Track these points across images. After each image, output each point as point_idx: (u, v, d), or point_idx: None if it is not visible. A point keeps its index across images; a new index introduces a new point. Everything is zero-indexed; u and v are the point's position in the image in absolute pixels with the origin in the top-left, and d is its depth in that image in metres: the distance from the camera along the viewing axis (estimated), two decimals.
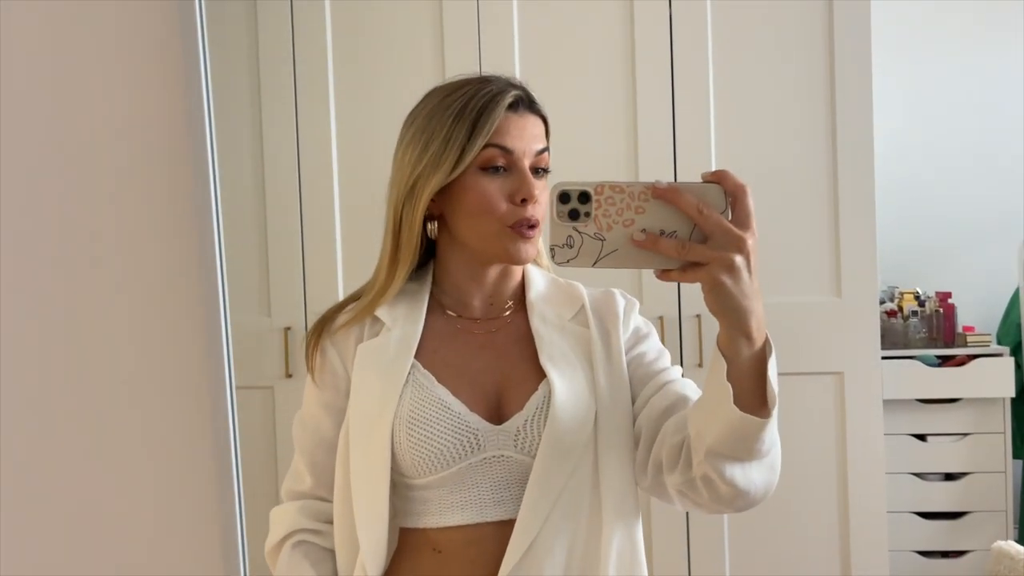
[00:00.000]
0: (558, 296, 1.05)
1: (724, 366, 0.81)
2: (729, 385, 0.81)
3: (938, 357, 2.52)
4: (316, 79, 2.07)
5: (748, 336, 0.79)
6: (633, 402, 1.00)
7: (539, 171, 0.99)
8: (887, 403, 2.34)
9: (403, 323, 1.02)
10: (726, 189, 0.78)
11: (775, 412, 0.82)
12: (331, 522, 1.03)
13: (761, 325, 0.80)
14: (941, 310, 2.59)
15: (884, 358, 2.33)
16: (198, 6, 0.65)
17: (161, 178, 0.64)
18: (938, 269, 2.88)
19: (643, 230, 0.78)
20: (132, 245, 0.63)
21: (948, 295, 2.63)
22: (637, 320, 1.05)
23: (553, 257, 0.80)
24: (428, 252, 1.06)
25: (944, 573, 2.50)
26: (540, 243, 1.01)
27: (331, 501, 1.03)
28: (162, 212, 0.63)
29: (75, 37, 0.65)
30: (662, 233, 0.78)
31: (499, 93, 0.97)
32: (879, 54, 2.00)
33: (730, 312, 0.78)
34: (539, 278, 1.07)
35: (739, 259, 0.76)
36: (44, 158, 0.64)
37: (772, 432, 0.84)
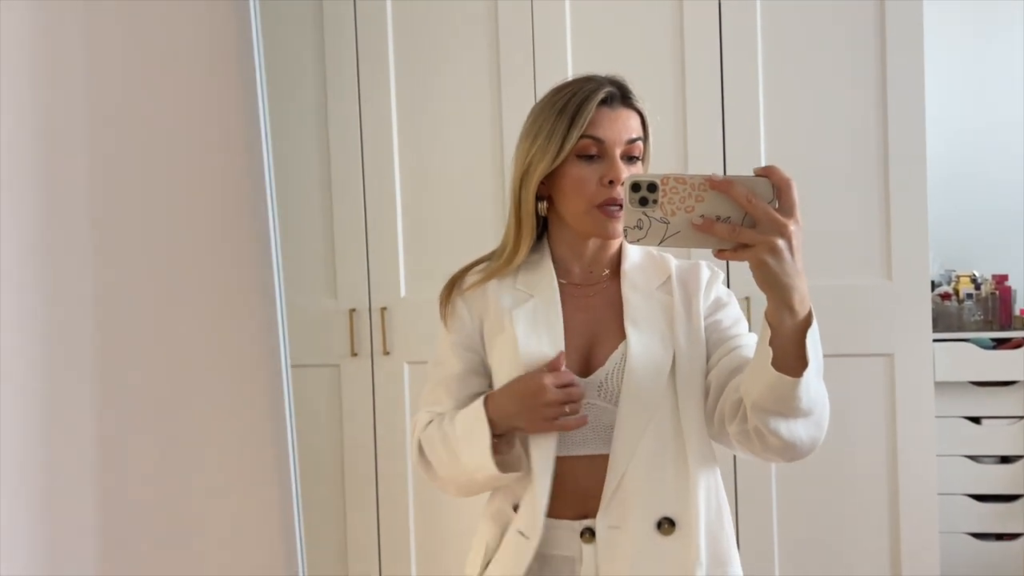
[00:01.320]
0: (649, 267, 1.21)
1: (769, 334, 0.94)
2: (770, 349, 0.93)
3: (993, 340, 2.51)
4: (378, 73, 2.17)
5: (791, 308, 0.91)
6: (707, 361, 1.15)
7: (631, 158, 1.15)
8: (940, 385, 2.34)
9: (542, 289, 1.19)
10: (773, 182, 0.89)
11: (807, 374, 0.93)
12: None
13: (804, 299, 0.92)
14: (997, 292, 2.57)
15: (938, 340, 2.34)
16: (253, 11, 0.70)
17: (221, 174, 0.70)
18: (997, 253, 2.85)
19: (702, 216, 0.89)
20: (196, 233, 0.69)
21: (1005, 277, 2.61)
22: (719, 290, 1.19)
23: (626, 237, 0.91)
24: (544, 228, 1.23)
25: (998, 555, 2.50)
26: None
27: None
28: (222, 204, 0.69)
29: (148, 38, 0.71)
30: (718, 218, 0.89)
31: (594, 91, 1.13)
32: (932, 34, 2.00)
33: (774, 287, 0.90)
34: (635, 251, 1.22)
35: (782, 242, 0.88)
36: (119, 155, 0.70)
37: (808, 391, 0.95)
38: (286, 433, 0.71)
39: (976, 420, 2.53)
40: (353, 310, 2.19)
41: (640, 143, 1.15)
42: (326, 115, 2.19)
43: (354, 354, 2.19)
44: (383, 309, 2.19)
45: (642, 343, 1.13)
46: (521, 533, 1.14)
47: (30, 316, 0.70)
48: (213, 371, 0.72)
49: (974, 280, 2.63)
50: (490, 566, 1.18)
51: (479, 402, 1.14)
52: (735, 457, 2.03)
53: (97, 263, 0.70)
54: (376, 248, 2.18)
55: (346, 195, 2.19)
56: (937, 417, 2.03)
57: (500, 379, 1.17)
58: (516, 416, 1.11)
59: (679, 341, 1.14)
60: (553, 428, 1.10)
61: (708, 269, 1.20)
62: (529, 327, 1.16)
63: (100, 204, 0.71)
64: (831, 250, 1.98)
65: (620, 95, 1.16)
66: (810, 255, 2.02)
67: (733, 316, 1.18)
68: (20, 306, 0.70)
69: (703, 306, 1.17)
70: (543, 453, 1.12)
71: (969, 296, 2.59)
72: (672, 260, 1.22)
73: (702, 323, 1.16)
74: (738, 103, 2.00)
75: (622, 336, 1.15)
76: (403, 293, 2.20)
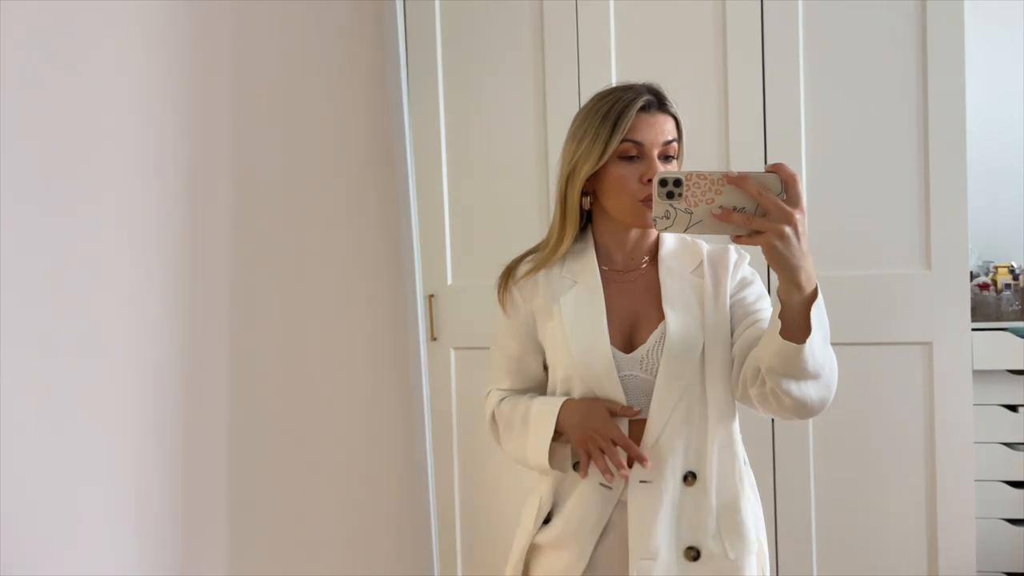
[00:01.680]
0: (684, 253, 1.35)
1: (779, 307, 1.08)
2: (779, 320, 1.08)
3: None
4: (427, 70, 2.24)
5: (798, 285, 1.05)
6: (732, 334, 1.28)
7: (668, 157, 1.28)
8: (978, 374, 2.36)
9: (585, 276, 1.34)
10: (782, 177, 1.02)
11: (809, 340, 1.07)
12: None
13: (810, 278, 1.06)
14: None
15: (975, 330, 2.36)
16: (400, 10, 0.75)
17: (367, 173, 0.75)
18: None
19: (720, 207, 1.02)
20: (339, 223, 0.75)
21: None
22: (745, 271, 1.34)
23: (655, 225, 1.05)
24: (587, 220, 1.37)
25: None
26: None
27: (527, 390, 1.41)
28: (364, 197, 0.75)
29: (291, 36, 0.76)
30: (734, 209, 1.02)
31: (634, 99, 1.27)
32: (973, 27, 2.02)
33: (783, 267, 1.03)
34: (670, 239, 1.36)
35: (788, 229, 1.01)
36: (267, 148, 0.75)
37: (814, 356, 1.09)
38: (423, 420, 0.77)
39: (1013, 408, 2.55)
40: (432, 296, 2.27)
41: (675, 144, 1.29)
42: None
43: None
44: (431, 296, 2.27)
45: (678, 323, 1.27)
46: (604, 485, 1.30)
47: (174, 302, 0.76)
48: (352, 349, 0.77)
49: (1012, 271, 2.64)
50: (563, 514, 1.32)
51: (557, 404, 1.30)
52: (774, 445, 2.07)
53: (235, 258, 0.75)
54: (425, 239, 2.26)
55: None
56: (975, 405, 2.05)
57: (552, 357, 1.35)
58: (574, 428, 1.29)
59: (708, 319, 1.28)
60: (586, 459, 1.27)
61: (736, 253, 1.34)
62: (574, 310, 1.31)
63: (243, 190, 0.77)
64: (872, 240, 2.01)
65: (657, 102, 1.29)
66: (851, 245, 2.07)
67: (756, 293, 1.32)
68: (164, 293, 0.76)
69: (730, 286, 1.30)
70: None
71: (1007, 286, 2.60)
72: (704, 246, 1.36)
73: (728, 301, 1.29)
74: (779, 98, 2.04)
75: (660, 317, 1.29)
76: (449, 281, 2.27)
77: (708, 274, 1.31)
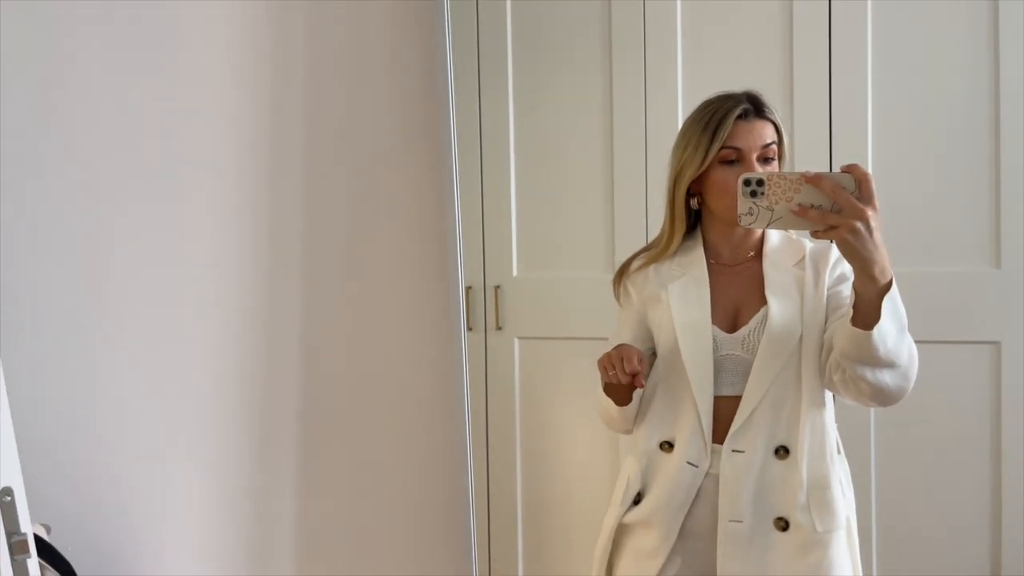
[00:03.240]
0: (787, 248, 1.44)
1: (854, 297, 1.17)
2: (852, 310, 1.18)
3: None
4: (498, 64, 2.30)
5: (871, 277, 1.13)
6: (826, 323, 1.37)
7: (767, 160, 1.38)
8: None
9: (693, 269, 1.44)
10: (855, 176, 1.11)
11: (877, 327, 1.15)
12: None
13: (884, 270, 1.14)
14: None
15: None
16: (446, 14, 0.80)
17: (416, 175, 0.81)
18: None
19: (799, 204, 1.12)
20: (391, 221, 0.81)
21: None
22: (844, 267, 1.40)
23: (740, 222, 1.15)
24: (697, 220, 1.48)
25: None
26: None
27: None
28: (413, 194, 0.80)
29: (358, 34, 0.82)
30: (811, 207, 1.11)
31: (732, 108, 1.37)
32: None
33: (857, 260, 1.12)
34: (774, 235, 1.46)
35: (860, 225, 1.10)
36: (331, 149, 0.81)
37: (885, 343, 1.17)
38: (463, 392, 0.84)
39: None
40: (469, 288, 2.35)
41: (774, 146, 1.38)
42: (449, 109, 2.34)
43: (470, 329, 2.35)
44: (496, 287, 2.34)
45: (779, 308, 1.36)
46: (691, 463, 1.39)
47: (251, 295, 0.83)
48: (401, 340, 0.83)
49: None
50: (652, 494, 1.41)
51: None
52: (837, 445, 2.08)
53: (305, 256, 0.82)
54: (491, 233, 2.33)
55: (464, 186, 2.34)
56: None
57: (659, 341, 1.45)
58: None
59: (807, 308, 1.37)
60: (604, 380, 1.36)
61: (838, 250, 1.38)
62: (681, 299, 1.42)
63: (314, 184, 0.84)
64: (939, 238, 2.00)
65: (755, 109, 1.37)
66: (918, 243, 2.07)
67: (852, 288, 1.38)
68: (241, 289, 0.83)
69: (828, 279, 1.38)
70: (704, 397, 1.38)
71: None
72: (807, 243, 1.43)
73: (825, 292, 1.38)
74: (846, 95, 2.04)
75: (763, 303, 1.39)
76: (515, 273, 2.34)
77: (809, 267, 1.40)
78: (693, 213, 1.46)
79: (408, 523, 0.88)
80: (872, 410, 2.05)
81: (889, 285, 1.15)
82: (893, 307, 1.16)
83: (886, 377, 1.23)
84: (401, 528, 0.89)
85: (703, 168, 1.37)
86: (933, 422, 2.03)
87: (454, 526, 0.87)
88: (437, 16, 0.82)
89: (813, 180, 1.11)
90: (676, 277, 1.45)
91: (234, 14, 0.79)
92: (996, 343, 1.99)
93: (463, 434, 0.87)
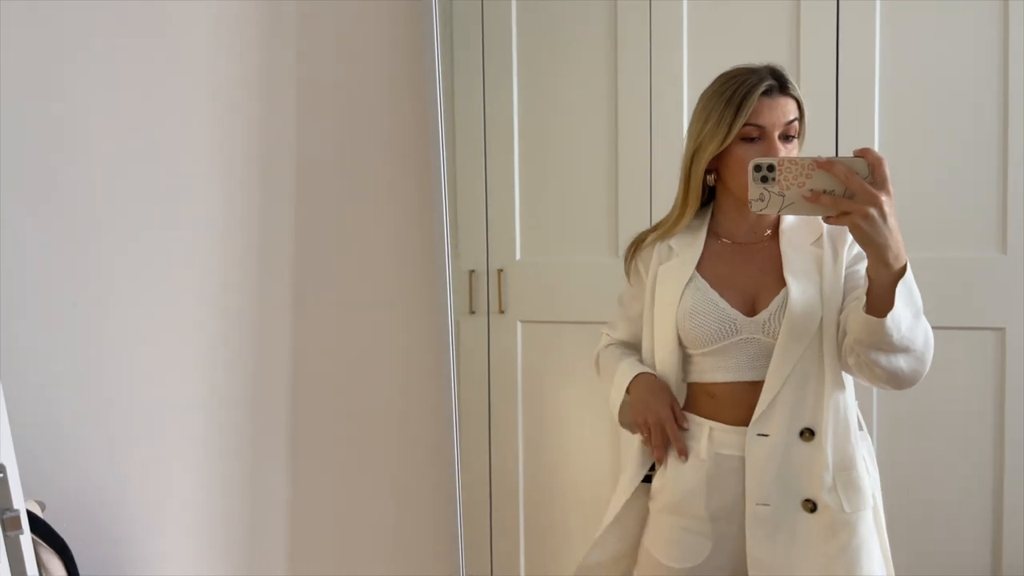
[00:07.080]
0: (805, 226, 1.41)
1: (868, 283, 1.15)
2: (865, 296, 1.16)
3: None
4: (502, 53, 2.28)
5: (885, 263, 1.11)
6: (843, 302, 1.34)
7: (788, 137, 1.34)
8: None
9: (687, 249, 1.43)
10: (868, 161, 1.09)
11: (891, 314, 1.13)
12: (634, 354, 1.53)
13: (898, 256, 1.12)
14: None
15: None
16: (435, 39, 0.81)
17: (406, 167, 0.81)
18: None
19: (811, 189, 1.10)
20: (382, 203, 0.81)
21: None
22: None
23: (751, 207, 1.14)
24: (709, 196, 1.46)
25: None
26: None
27: (633, 345, 1.54)
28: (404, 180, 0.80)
29: (347, 27, 0.82)
30: (824, 192, 1.09)
31: (756, 83, 1.32)
32: None
33: (870, 245, 1.10)
34: None
35: (873, 210, 1.08)
36: (327, 150, 0.81)
37: (899, 329, 1.15)
38: (450, 375, 0.85)
39: None
40: (472, 271, 2.35)
41: (796, 123, 1.35)
42: (452, 95, 2.33)
43: (472, 312, 2.35)
44: (499, 271, 2.34)
45: (799, 290, 1.34)
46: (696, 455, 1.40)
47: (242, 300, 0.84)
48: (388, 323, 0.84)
49: None
50: (667, 479, 1.43)
51: (633, 374, 1.45)
52: None
53: (296, 251, 0.82)
54: (495, 217, 2.33)
55: (469, 171, 2.34)
56: None
57: (649, 322, 1.47)
58: (638, 401, 1.42)
59: (827, 288, 1.34)
60: (644, 431, 1.40)
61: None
62: (666, 280, 1.42)
63: (304, 173, 0.84)
64: (945, 222, 1.99)
65: (779, 85, 1.34)
66: (923, 227, 2.06)
67: None
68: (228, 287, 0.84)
69: (847, 258, 1.36)
70: (678, 390, 1.42)
71: None
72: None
73: (843, 272, 1.35)
74: (853, 82, 2.02)
75: (782, 284, 1.36)
76: (518, 256, 2.33)
77: (827, 246, 1.37)
78: (708, 190, 1.43)
79: (400, 506, 0.89)
80: (876, 396, 2.04)
81: (903, 270, 1.13)
82: (908, 292, 1.14)
83: (900, 362, 1.20)
84: (393, 511, 0.90)
85: (725, 145, 1.33)
86: (936, 408, 2.03)
87: (445, 506, 0.88)
88: (426, 26, 0.82)
89: (825, 165, 1.09)
90: (666, 259, 1.45)
91: (223, 13, 0.79)
92: (1001, 329, 1.98)
93: (451, 418, 0.88)
